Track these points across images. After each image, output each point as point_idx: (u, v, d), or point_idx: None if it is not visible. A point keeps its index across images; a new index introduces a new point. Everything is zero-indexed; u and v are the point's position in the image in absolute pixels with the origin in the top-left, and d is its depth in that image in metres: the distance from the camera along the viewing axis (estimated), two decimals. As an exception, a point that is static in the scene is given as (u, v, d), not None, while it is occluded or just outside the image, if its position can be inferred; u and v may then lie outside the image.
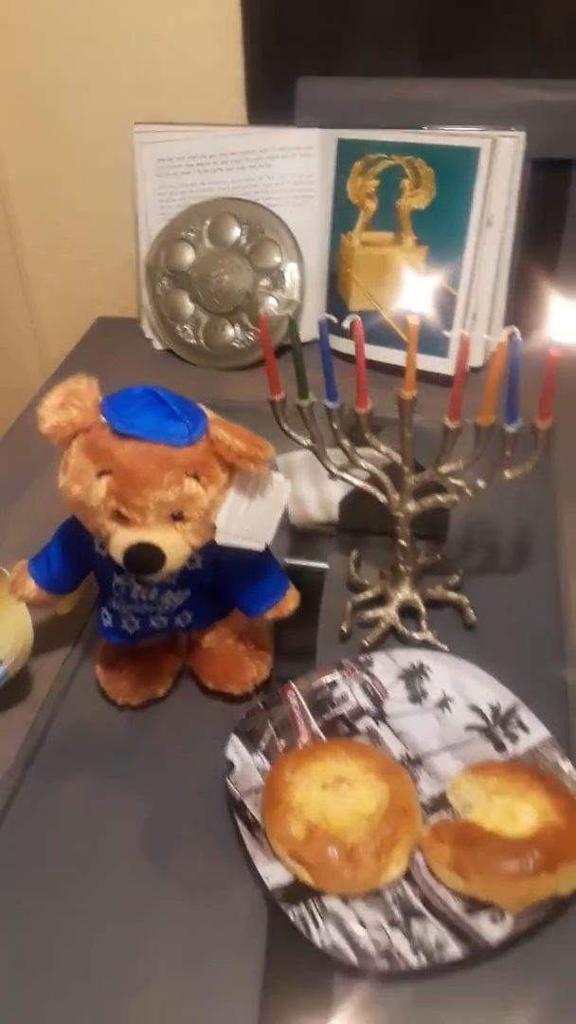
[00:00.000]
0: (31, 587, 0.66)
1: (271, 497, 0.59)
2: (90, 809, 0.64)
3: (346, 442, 0.70)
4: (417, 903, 0.56)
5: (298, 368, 0.66)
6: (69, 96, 1.13)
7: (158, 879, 0.59)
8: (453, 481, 0.68)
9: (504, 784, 0.60)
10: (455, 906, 0.56)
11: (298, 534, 0.87)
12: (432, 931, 0.54)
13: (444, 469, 0.68)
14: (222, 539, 0.58)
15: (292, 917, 0.55)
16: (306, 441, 0.70)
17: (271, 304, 1.03)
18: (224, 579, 0.65)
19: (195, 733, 0.69)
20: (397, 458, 0.69)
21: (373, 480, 0.72)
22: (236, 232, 1.09)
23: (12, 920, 0.57)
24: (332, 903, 0.56)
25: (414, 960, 0.53)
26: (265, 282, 1.08)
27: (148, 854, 0.61)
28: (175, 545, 0.56)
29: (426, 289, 0.70)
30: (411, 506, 0.71)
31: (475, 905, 0.55)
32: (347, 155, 1.03)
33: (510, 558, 0.85)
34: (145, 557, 0.55)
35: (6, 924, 0.57)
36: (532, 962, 0.54)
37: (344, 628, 0.76)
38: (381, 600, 0.77)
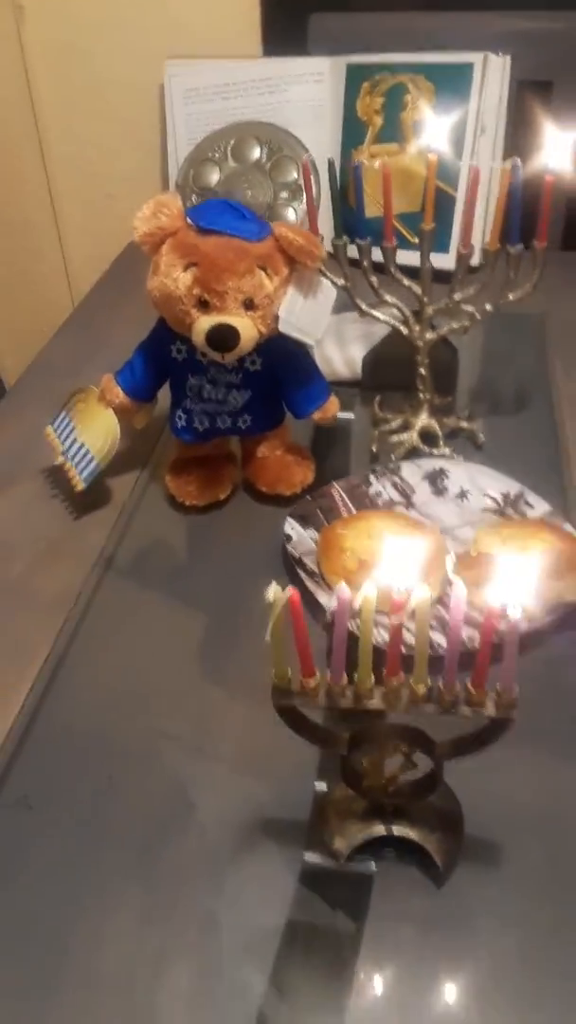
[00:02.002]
0: (118, 393, 0.78)
1: (322, 299, 0.72)
2: (166, 597, 0.75)
3: (374, 278, 0.83)
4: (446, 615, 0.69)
5: (335, 209, 0.79)
6: (101, 37, 1.27)
7: (228, 642, 0.71)
8: (465, 307, 0.82)
9: (516, 531, 0.73)
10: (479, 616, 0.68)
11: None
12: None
13: (458, 296, 0.81)
14: (284, 327, 0.70)
15: (351, 627, 0.67)
16: (340, 281, 0.83)
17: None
18: (278, 382, 0.77)
19: (252, 531, 0.82)
20: (417, 289, 0.82)
21: (397, 315, 0.85)
22: (257, 152, 1.22)
23: (94, 688, 0.68)
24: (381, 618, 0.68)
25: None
26: (284, 195, 1.21)
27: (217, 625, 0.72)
28: (247, 327, 0.68)
29: (443, 128, 0.83)
30: (429, 334, 0.84)
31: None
32: (355, 78, 1.17)
33: (511, 404, 0.99)
34: (224, 335, 0.67)
35: (92, 690, 0.68)
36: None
37: (373, 448, 0.89)
38: (404, 428, 0.90)
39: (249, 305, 0.69)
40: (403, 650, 0.48)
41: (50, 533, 0.81)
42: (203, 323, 0.68)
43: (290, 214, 1.21)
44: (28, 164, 1.41)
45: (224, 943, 0.52)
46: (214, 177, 1.24)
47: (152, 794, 0.60)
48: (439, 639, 0.66)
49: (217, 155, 1.23)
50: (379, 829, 0.55)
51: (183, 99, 1.23)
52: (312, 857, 0.56)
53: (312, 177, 0.77)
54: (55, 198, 1.43)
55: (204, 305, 0.68)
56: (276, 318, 0.70)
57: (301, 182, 1.20)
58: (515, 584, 0.44)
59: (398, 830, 0.54)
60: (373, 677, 0.49)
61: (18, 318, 1.51)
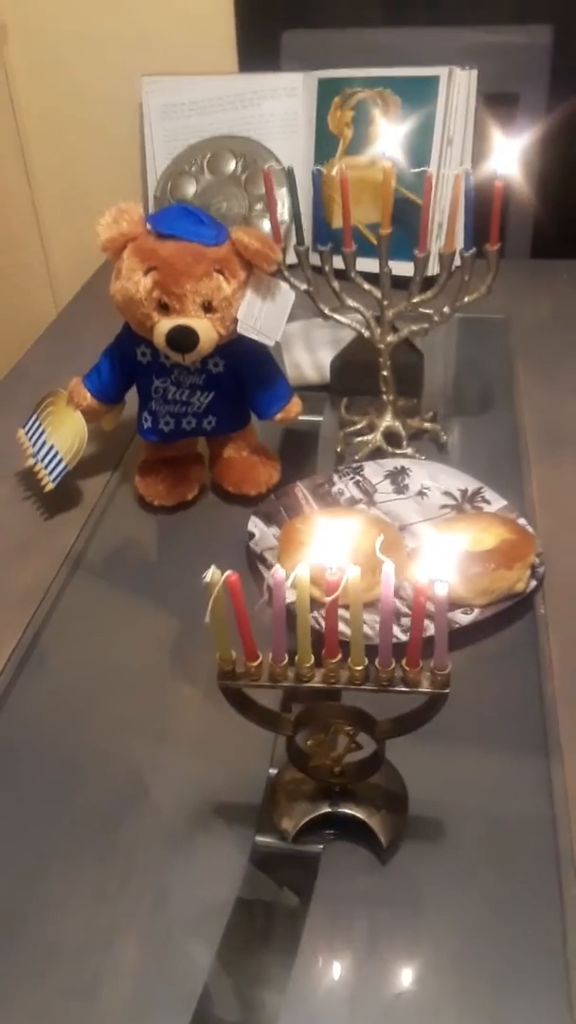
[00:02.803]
0: (86, 396, 0.80)
1: (280, 302, 0.75)
2: (132, 592, 0.78)
3: (335, 283, 0.85)
4: (403, 608, 0.71)
5: (295, 215, 0.81)
6: (82, 52, 1.30)
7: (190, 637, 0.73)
8: (423, 311, 0.84)
9: (470, 524, 0.75)
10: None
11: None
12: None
13: (416, 299, 0.83)
14: (242, 329, 0.73)
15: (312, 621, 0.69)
16: (303, 286, 0.86)
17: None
18: (242, 384, 0.80)
19: (218, 529, 0.84)
20: (377, 293, 0.84)
21: (360, 320, 0.87)
22: (232, 164, 1.25)
23: (61, 678, 0.71)
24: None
25: (403, 636, 0.67)
26: (259, 206, 1.24)
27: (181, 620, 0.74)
28: (206, 329, 0.71)
29: (397, 136, 0.86)
30: (390, 337, 0.87)
31: (450, 605, 0.70)
32: (327, 92, 1.20)
33: (475, 405, 1.01)
34: (184, 336, 0.70)
35: (57, 682, 0.70)
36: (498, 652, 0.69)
37: (338, 449, 0.91)
38: (369, 429, 0.92)
39: (208, 307, 0.71)
40: (360, 635, 0.50)
41: (21, 532, 0.83)
42: (163, 325, 0.71)
43: (265, 225, 1.24)
44: (13, 179, 1.44)
45: (173, 919, 0.54)
46: (191, 189, 1.27)
47: (111, 779, 0.62)
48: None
49: (194, 168, 1.26)
50: (324, 808, 0.56)
51: (160, 114, 1.27)
52: (263, 838, 0.57)
53: (282, 187, 0.79)
54: (39, 212, 1.46)
55: (164, 308, 0.71)
56: (235, 320, 0.73)
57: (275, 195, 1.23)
58: (441, 561, 0.46)
59: (344, 809, 0.56)
60: (313, 658, 0.51)
61: (4, 330, 1.53)
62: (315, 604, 0.66)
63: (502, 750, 0.63)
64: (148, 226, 0.71)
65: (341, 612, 0.63)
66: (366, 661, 0.50)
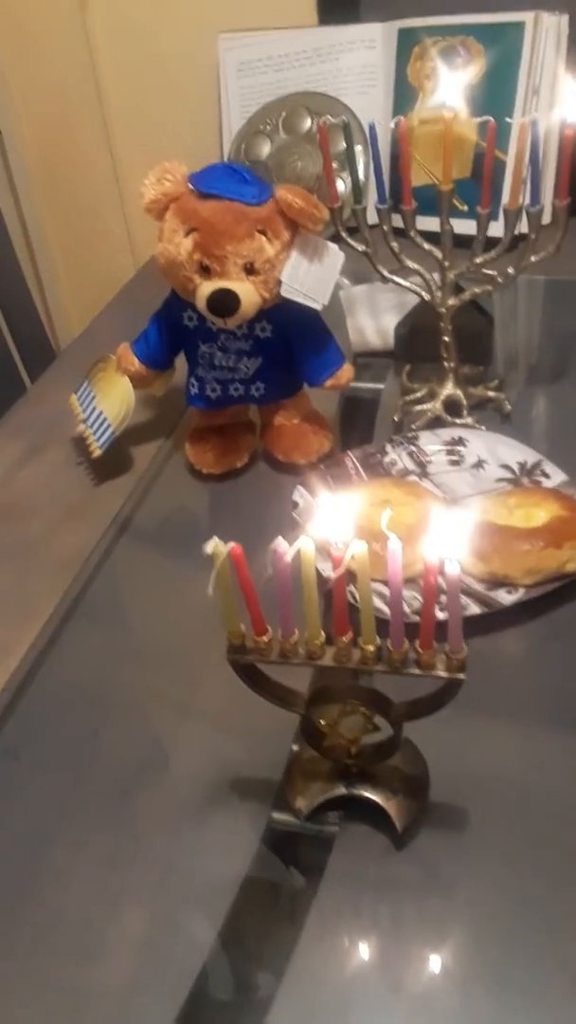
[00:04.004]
0: (133, 362, 0.80)
1: (328, 263, 0.72)
2: (175, 561, 0.76)
3: (395, 244, 0.81)
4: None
5: (352, 174, 0.78)
6: (160, 13, 1.28)
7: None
8: (487, 271, 0.79)
9: (522, 499, 0.71)
10: (477, 586, 0.67)
11: (358, 362, 0.99)
12: (458, 599, 0.65)
13: (479, 259, 0.79)
14: (286, 292, 0.70)
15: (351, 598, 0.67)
16: (361, 247, 0.82)
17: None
18: (290, 350, 0.77)
19: (267, 498, 0.82)
20: (438, 253, 0.80)
21: (420, 283, 0.83)
22: (308, 122, 1.21)
23: (96, 643, 0.71)
24: (377, 587, 0.68)
25: (441, 615, 0.64)
26: (334, 165, 1.20)
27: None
28: (248, 292, 0.69)
29: (460, 84, 0.80)
30: (452, 300, 0.82)
31: (494, 584, 0.66)
32: (406, 43, 1.15)
33: (546, 373, 0.95)
34: (224, 300, 0.68)
35: (91, 648, 0.70)
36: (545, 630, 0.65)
37: (396, 418, 0.88)
38: (429, 397, 0.88)
39: (250, 270, 0.69)
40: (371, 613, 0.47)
41: (71, 497, 0.83)
42: (204, 288, 0.69)
43: (340, 185, 1.20)
44: (95, 146, 1.44)
45: (179, 892, 0.53)
46: (265, 149, 1.24)
47: (133, 748, 0.61)
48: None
49: (268, 127, 1.23)
50: (339, 789, 0.54)
51: (236, 72, 1.24)
52: (279, 816, 0.56)
53: (350, 142, 0.76)
54: (119, 177, 1.46)
55: (206, 271, 0.69)
56: (279, 283, 0.70)
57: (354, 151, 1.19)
58: (452, 538, 0.43)
59: (359, 791, 0.54)
60: (324, 635, 0.48)
61: (86, 295, 1.55)
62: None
63: (539, 735, 0.60)
64: (190, 186, 0.69)
65: (378, 588, 0.60)
66: (378, 641, 0.48)
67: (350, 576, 0.45)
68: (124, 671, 0.67)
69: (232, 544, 0.46)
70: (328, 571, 0.45)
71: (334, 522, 0.45)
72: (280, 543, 0.45)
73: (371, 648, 0.48)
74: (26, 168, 1.48)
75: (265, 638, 0.49)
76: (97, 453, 0.81)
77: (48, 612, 0.72)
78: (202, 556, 0.79)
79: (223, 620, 0.49)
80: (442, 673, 0.47)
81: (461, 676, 0.47)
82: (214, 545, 0.46)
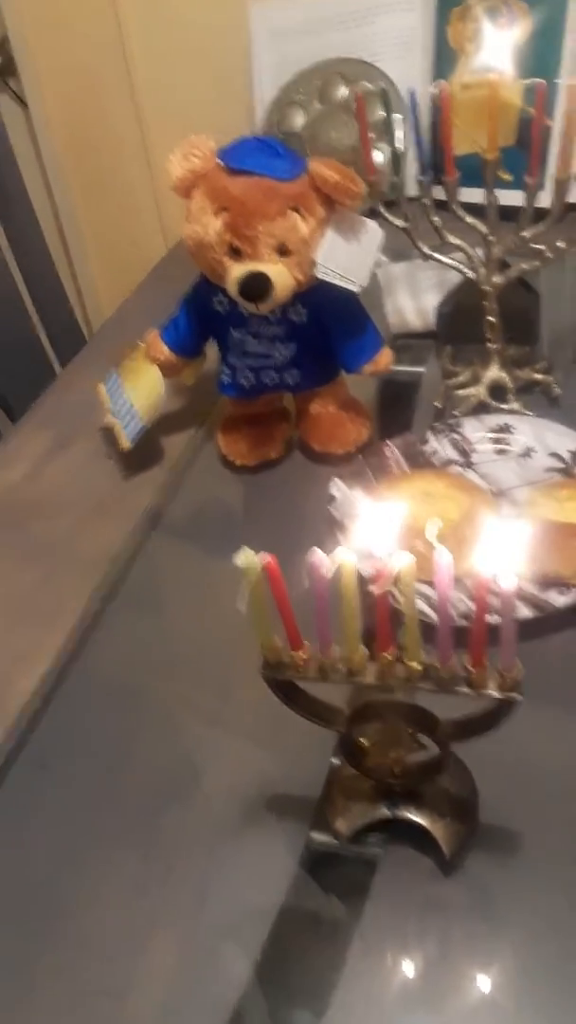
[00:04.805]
0: (163, 350, 0.76)
1: (365, 241, 0.67)
2: (208, 558, 0.73)
3: (436, 219, 0.76)
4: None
5: (391, 143, 0.73)
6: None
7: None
8: (535, 246, 0.74)
9: (574, 491, 0.66)
10: (528, 587, 0.62)
11: (397, 344, 0.94)
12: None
13: (527, 233, 0.74)
14: (321, 273, 0.66)
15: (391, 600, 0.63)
16: (400, 223, 0.77)
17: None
18: (327, 335, 0.73)
19: (303, 490, 0.78)
20: (482, 228, 0.75)
21: (463, 259, 0.78)
22: (343, 90, 1.16)
23: (126, 647, 0.67)
24: (421, 588, 0.64)
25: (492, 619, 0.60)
26: (371, 135, 1.15)
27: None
28: (281, 274, 0.64)
29: (506, 43, 0.75)
30: (497, 278, 0.77)
31: (545, 585, 0.62)
32: (447, 3, 1.08)
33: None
34: (256, 283, 0.64)
35: (121, 651, 0.67)
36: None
37: (437, 404, 0.83)
38: (473, 381, 0.84)
39: (283, 250, 0.65)
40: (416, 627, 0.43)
41: (100, 492, 0.80)
42: (235, 272, 0.65)
43: (378, 156, 1.14)
44: (125, 123, 1.40)
45: (212, 919, 0.50)
46: (299, 120, 1.19)
47: (165, 760, 0.59)
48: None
49: (303, 97, 1.18)
50: (383, 812, 0.51)
51: (267, 40, 1.18)
52: (318, 837, 0.53)
53: (389, 111, 0.72)
54: (150, 156, 1.42)
55: (236, 252, 0.65)
56: (314, 264, 0.66)
57: (392, 119, 1.13)
58: (506, 551, 0.39)
59: (404, 813, 0.51)
60: (365, 650, 0.45)
61: (117, 278, 1.51)
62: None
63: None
64: (219, 161, 0.64)
65: (422, 589, 0.56)
66: (424, 657, 0.44)
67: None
68: (155, 677, 0.64)
69: (265, 555, 0.42)
70: (369, 573, 0.42)
71: (376, 530, 0.41)
72: (317, 554, 0.41)
73: (417, 665, 0.44)
74: (53, 145, 1.44)
75: (302, 654, 0.45)
76: (126, 446, 0.78)
77: (76, 614, 0.69)
78: (237, 551, 0.76)
79: (256, 633, 0.45)
80: (495, 693, 0.43)
81: (516, 696, 0.43)
82: (245, 557, 0.42)
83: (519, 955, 0.47)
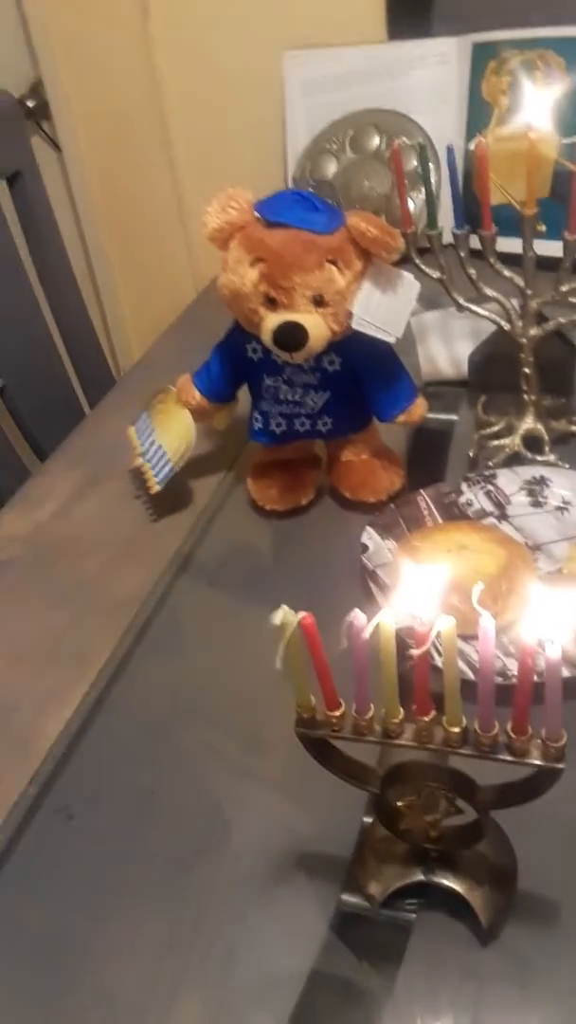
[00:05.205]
0: (195, 395, 0.76)
1: (402, 293, 0.67)
2: (238, 604, 0.72)
3: (472, 271, 0.76)
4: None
5: (428, 197, 0.73)
6: (223, 29, 1.25)
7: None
8: (573, 300, 0.74)
9: (614, 549, 0.65)
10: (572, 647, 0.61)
11: (429, 391, 0.94)
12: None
13: (565, 287, 0.74)
14: (357, 324, 0.66)
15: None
16: (435, 274, 0.78)
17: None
18: (360, 383, 0.73)
19: (334, 537, 0.78)
20: (519, 281, 0.75)
21: (498, 309, 0.78)
22: (376, 140, 1.17)
23: (152, 694, 0.67)
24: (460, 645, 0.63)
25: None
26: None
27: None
28: (317, 325, 0.65)
29: (546, 101, 0.75)
30: (534, 331, 0.77)
31: (584, 643, 0.61)
32: (481, 57, 1.10)
33: None
34: (291, 334, 0.64)
35: (148, 698, 0.66)
36: None
37: (471, 453, 0.83)
38: (507, 432, 0.83)
39: (319, 302, 0.65)
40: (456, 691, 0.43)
41: (129, 534, 0.80)
42: (270, 321, 0.65)
43: (409, 204, 1.15)
44: (158, 169, 1.42)
45: (241, 983, 0.49)
46: (331, 169, 1.20)
47: (192, 813, 0.57)
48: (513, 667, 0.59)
49: (335, 146, 1.20)
50: (418, 876, 0.50)
51: (301, 90, 1.20)
52: (349, 899, 0.51)
53: (425, 165, 0.72)
54: (182, 202, 1.44)
55: (272, 303, 0.65)
56: (350, 315, 0.66)
57: (419, 170, 1.14)
58: (553, 616, 0.38)
59: (439, 879, 0.49)
60: (402, 712, 0.44)
61: (146, 323, 1.53)
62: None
63: None
64: (257, 214, 0.65)
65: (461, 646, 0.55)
66: (464, 721, 0.43)
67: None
68: (183, 725, 0.64)
69: (303, 614, 0.41)
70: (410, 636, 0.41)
71: (418, 592, 0.40)
72: (357, 616, 0.40)
73: (456, 730, 0.43)
74: (87, 190, 1.47)
75: (338, 713, 0.45)
76: (155, 489, 0.78)
77: (104, 658, 0.68)
78: (267, 599, 0.75)
79: (292, 691, 0.45)
80: (537, 761, 0.42)
81: (560, 766, 0.42)
82: (283, 614, 0.41)
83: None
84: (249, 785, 0.59)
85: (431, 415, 0.90)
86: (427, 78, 1.15)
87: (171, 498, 0.82)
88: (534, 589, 0.39)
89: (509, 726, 0.42)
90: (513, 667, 0.59)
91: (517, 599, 0.63)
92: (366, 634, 0.39)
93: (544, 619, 0.38)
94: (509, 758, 0.42)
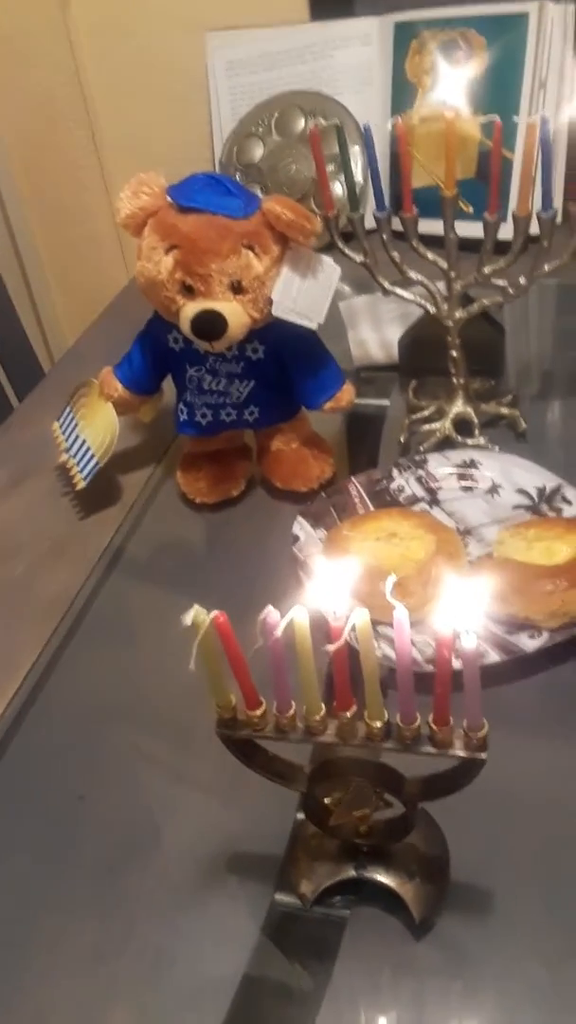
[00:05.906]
0: (117, 387, 0.74)
1: (322, 278, 0.66)
2: (168, 601, 0.70)
3: (395, 254, 0.75)
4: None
5: (347, 179, 0.72)
6: (144, 11, 1.22)
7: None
8: (496, 282, 0.74)
9: (542, 532, 0.65)
10: (497, 628, 0.61)
11: (361, 376, 0.93)
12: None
13: (487, 269, 0.73)
14: (277, 311, 0.65)
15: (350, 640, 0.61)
16: (359, 258, 0.76)
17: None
18: (286, 371, 0.72)
19: (266, 528, 0.76)
20: (443, 263, 0.74)
21: (424, 293, 0.77)
22: (301, 123, 1.16)
23: (81, 697, 0.65)
24: (385, 630, 0.62)
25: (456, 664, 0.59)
26: (331, 168, 1.14)
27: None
28: (236, 313, 0.63)
29: (460, 81, 0.75)
30: (459, 313, 0.77)
31: (514, 627, 0.61)
32: (403, 37, 1.09)
33: (563, 388, 0.89)
34: (210, 322, 0.62)
35: (76, 701, 0.65)
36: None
37: (401, 439, 0.82)
38: (438, 416, 0.83)
39: (237, 288, 0.63)
40: (376, 685, 0.42)
41: (56, 533, 0.78)
42: (188, 310, 0.63)
43: (338, 188, 1.14)
44: (81, 151, 1.39)
45: (174, 988, 0.47)
46: (258, 152, 1.18)
47: (121, 817, 0.56)
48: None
49: (261, 129, 1.18)
50: (349, 872, 0.49)
51: (225, 72, 1.18)
52: (282, 898, 0.51)
53: (344, 147, 0.71)
54: (108, 183, 1.40)
55: (189, 290, 0.63)
56: (270, 302, 0.65)
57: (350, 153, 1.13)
58: (467, 607, 0.38)
59: (371, 874, 0.49)
60: (324, 708, 0.43)
61: (77, 306, 1.50)
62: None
63: (572, 802, 0.54)
64: (169, 199, 0.63)
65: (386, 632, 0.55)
66: (385, 715, 0.42)
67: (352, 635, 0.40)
68: (113, 729, 0.62)
69: (215, 612, 0.40)
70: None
71: (331, 588, 0.39)
72: (270, 613, 0.39)
73: (378, 724, 0.42)
74: (11, 175, 1.43)
75: (259, 712, 0.44)
76: (81, 485, 0.76)
77: (30, 661, 0.66)
78: (199, 594, 0.73)
79: (209, 691, 0.43)
80: (460, 752, 0.41)
81: (482, 756, 0.41)
82: (195, 614, 0.40)
83: (495, 1017, 0.45)
84: (180, 787, 0.58)
85: (363, 401, 0.89)
86: (351, 59, 1.13)
87: (100, 494, 0.80)
88: (449, 579, 0.38)
89: (431, 717, 0.42)
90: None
91: (437, 589, 0.63)
92: (278, 631, 0.38)
93: (460, 609, 0.38)
94: (432, 751, 0.42)
